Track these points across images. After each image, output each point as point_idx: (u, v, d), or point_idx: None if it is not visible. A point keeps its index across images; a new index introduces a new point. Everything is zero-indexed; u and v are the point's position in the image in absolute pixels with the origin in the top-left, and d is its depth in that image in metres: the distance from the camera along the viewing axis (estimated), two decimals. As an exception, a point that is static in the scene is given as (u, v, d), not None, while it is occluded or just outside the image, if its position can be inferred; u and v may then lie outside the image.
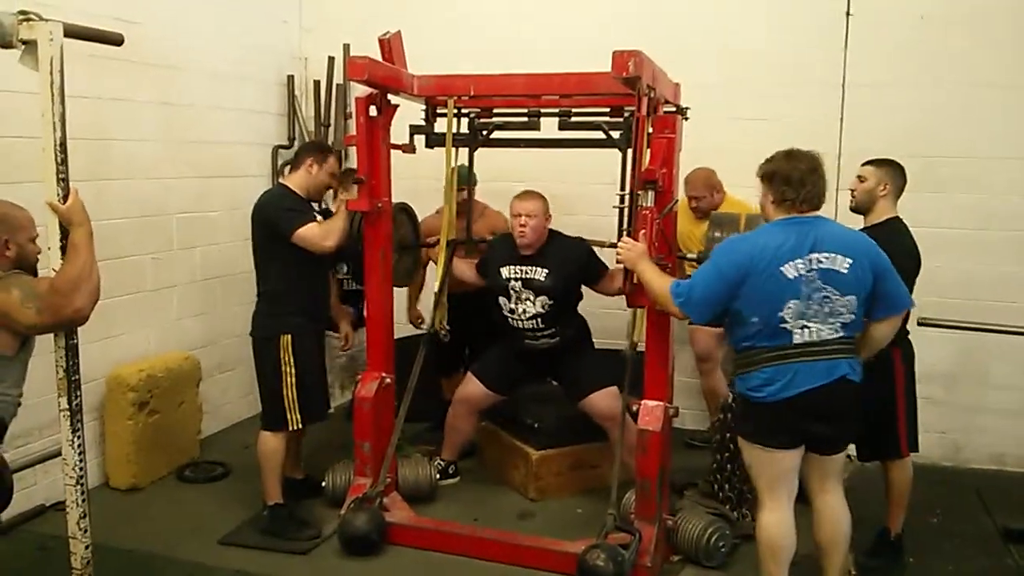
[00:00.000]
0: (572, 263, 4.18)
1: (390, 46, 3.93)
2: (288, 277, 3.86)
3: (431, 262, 4.59)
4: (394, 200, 4.07)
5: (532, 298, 4.16)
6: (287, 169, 4.18)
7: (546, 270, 4.15)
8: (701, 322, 3.10)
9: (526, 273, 4.17)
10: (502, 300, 4.24)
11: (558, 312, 4.19)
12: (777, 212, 2.99)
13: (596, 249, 4.26)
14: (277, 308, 3.89)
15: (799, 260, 2.85)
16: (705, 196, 4.67)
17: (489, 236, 4.59)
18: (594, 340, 4.48)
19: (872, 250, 2.96)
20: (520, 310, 4.19)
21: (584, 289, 4.34)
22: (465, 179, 4.61)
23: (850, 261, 2.88)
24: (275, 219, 3.81)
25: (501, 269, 4.23)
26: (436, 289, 4.32)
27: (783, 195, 2.94)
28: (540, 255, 4.19)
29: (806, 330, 2.86)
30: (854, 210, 3.59)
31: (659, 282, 3.15)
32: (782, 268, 2.84)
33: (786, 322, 2.85)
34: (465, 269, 4.46)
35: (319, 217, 3.95)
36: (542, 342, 4.24)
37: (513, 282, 4.18)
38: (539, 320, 4.18)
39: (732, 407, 3.98)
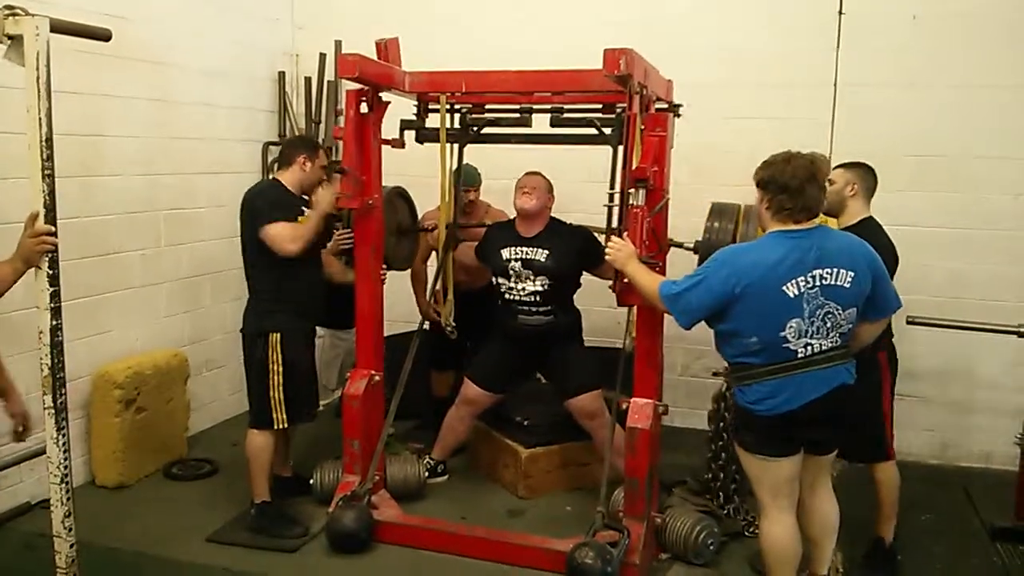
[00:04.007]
0: (573, 247, 4.20)
1: (386, 49, 3.93)
2: (278, 274, 3.83)
3: (433, 252, 4.60)
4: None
5: (532, 277, 4.16)
6: (276, 166, 4.14)
7: (547, 251, 4.16)
8: (687, 327, 3.00)
9: (526, 254, 4.18)
10: (501, 280, 4.24)
11: (556, 292, 4.20)
12: (774, 220, 2.90)
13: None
14: (267, 305, 3.86)
15: (801, 278, 2.78)
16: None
17: None
18: (583, 338, 4.49)
19: (870, 256, 2.92)
20: (519, 287, 4.19)
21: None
22: (472, 178, 4.66)
23: (852, 274, 2.83)
24: (255, 213, 3.78)
25: (501, 250, 4.23)
26: (437, 285, 4.32)
27: (781, 204, 2.85)
28: (541, 237, 4.20)
29: (809, 347, 2.82)
30: (825, 213, 3.56)
31: (648, 281, 3.13)
32: (783, 288, 2.77)
33: (788, 341, 2.81)
34: (464, 251, 4.49)
35: (306, 211, 3.92)
36: (536, 319, 4.21)
37: (513, 262, 4.19)
38: (537, 296, 4.18)
39: (725, 396, 3.97)
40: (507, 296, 4.24)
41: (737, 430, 3.10)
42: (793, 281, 2.78)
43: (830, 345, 2.85)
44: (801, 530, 3.11)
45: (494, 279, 4.29)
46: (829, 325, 2.83)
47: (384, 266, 4.15)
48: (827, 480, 3.17)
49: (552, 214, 4.29)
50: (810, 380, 2.83)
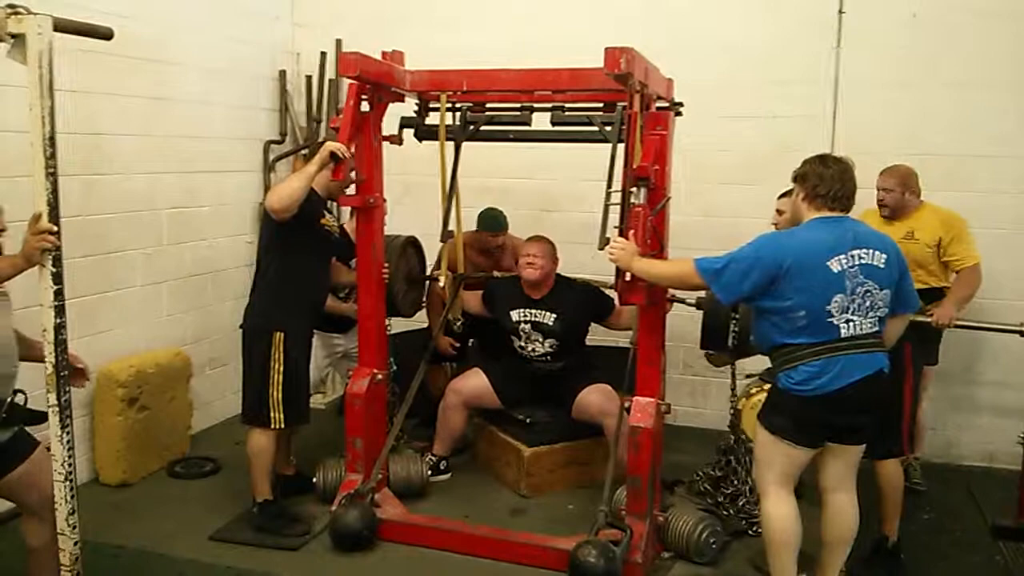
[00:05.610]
0: (580, 306, 4.37)
1: (392, 60, 3.94)
2: (286, 271, 3.83)
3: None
4: (387, 195, 4.05)
5: (541, 340, 4.35)
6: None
7: (554, 315, 4.31)
8: (727, 302, 3.10)
9: (535, 316, 4.34)
10: (512, 337, 4.41)
11: (565, 350, 4.38)
12: (809, 210, 3.03)
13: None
14: (272, 303, 3.85)
15: (842, 255, 2.91)
16: (894, 190, 4.17)
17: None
18: (586, 338, 4.58)
19: (897, 249, 3.07)
20: (530, 348, 4.38)
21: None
22: (499, 223, 4.74)
23: (885, 257, 2.97)
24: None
25: (511, 312, 4.39)
26: (442, 285, 4.35)
27: (815, 191, 3.00)
28: (548, 299, 4.35)
29: (851, 324, 2.91)
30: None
31: (670, 265, 3.26)
32: (828, 263, 2.89)
33: (832, 316, 2.89)
34: (470, 300, 4.58)
35: (328, 215, 3.95)
36: (549, 366, 4.42)
37: (523, 324, 4.36)
38: (548, 356, 4.39)
39: (732, 449, 4.04)
40: (520, 353, 4.42)
41: (770, 412, 3.10)
42: (836, 258, 2.90)
43: (869, 328, 2.94)
44: (820, 533, 3.14)
45: (505, 334, 4.43)
46: (868, 304, 2.92)
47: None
48: (853, 481, 3.17)
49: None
50: (853, 362, 2.90)
